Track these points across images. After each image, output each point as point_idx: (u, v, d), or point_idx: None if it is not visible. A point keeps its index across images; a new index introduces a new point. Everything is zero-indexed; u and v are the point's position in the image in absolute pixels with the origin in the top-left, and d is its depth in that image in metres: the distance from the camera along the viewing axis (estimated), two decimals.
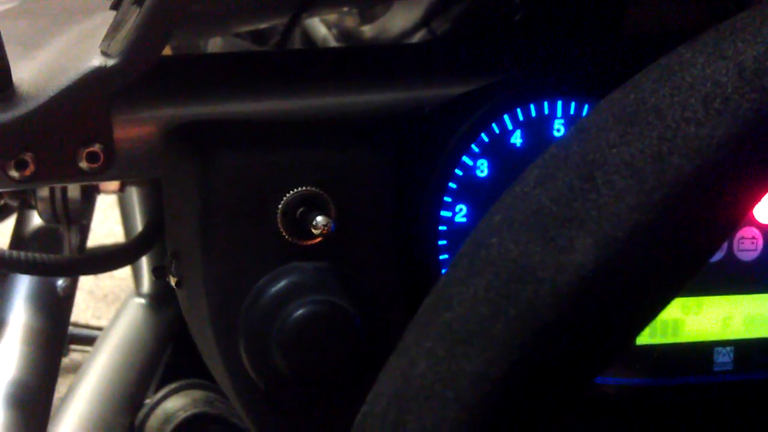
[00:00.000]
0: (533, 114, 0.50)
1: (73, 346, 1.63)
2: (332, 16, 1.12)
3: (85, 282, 2.05)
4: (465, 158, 0.49)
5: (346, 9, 1.04)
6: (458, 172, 0.49)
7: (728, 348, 0.55)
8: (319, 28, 1.13)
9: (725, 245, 0.53)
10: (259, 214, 0.47)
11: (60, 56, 0.48)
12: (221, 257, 0.47)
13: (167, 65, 0.53)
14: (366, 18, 1.03)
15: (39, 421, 0.93)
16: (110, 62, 0.44)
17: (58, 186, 0.80)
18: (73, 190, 0.81)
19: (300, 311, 0.46)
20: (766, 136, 0.30)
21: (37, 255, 0.69)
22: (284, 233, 0.47)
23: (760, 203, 0.53)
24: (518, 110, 0.50)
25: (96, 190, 0.85)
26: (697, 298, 0.54)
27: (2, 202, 0.96)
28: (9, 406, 0.90)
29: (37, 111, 0.44)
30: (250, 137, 0.48)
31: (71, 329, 1.64)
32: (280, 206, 0.47)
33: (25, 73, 0.46)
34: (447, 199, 0.50)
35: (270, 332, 0.46)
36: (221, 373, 0.49)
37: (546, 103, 0.50)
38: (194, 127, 0.50)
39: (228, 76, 0.53)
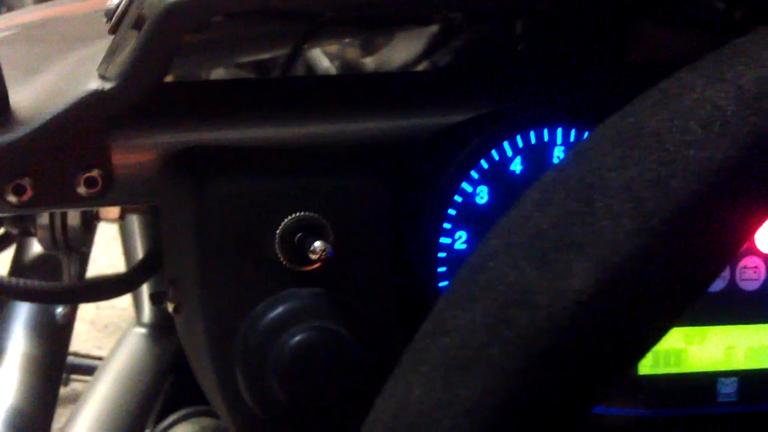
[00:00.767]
0: (533, 141, 0.50)
1: (73, 376, 1.62)
2: (334, 48, 1.12)
3: (87, 312, 2.04)
4: (464, 185, 0.49)
5: (347, 40, 1.05)
6: (457, 198, 0.49)
7: (732, 379, 0.54)
8: (322, 59, 1.14)
9: (727, 275, 0.53)
10: (256, 239, 0.47)
11: (58, 81, 0.48)
12: (218, 283, 0.47)
13: (166, 91, 0.52)
14: (368, 50, 1.04)
15: None
16: (107, 86, 0.44)
17: (57, 213, 0.80)
18: (73, 218, 0.81)
19: (296, 338, 0.45)
20: (766, 160, 0.30)
21: (35, 282, 0.68)
22: (282, 259, 0.46)
23: (762, 232, 0.53)
24: (518, 137, 0.49)
25: (96, 218, 0.85)
26: (700, 328, 0.53)
27: (2, 230, 0.96)
28: None
29: (33, 134, 0.44)
30: (247, 163, 0.48)
31: (72, 359, 1.64)
32: (277, 232, 0.46)
33: (22, 97, 0.46)
34: (446, 225, 0.49)
35: (267, 359, 0.46)
36: (218, 400, 0.49)
37: (546, 130, 0.50)
38: (191, 153, 0.49)
39: (226, 103, 0.52)
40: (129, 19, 0.44)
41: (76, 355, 1.66)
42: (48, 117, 0.44)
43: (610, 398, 0.53)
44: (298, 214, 0.46)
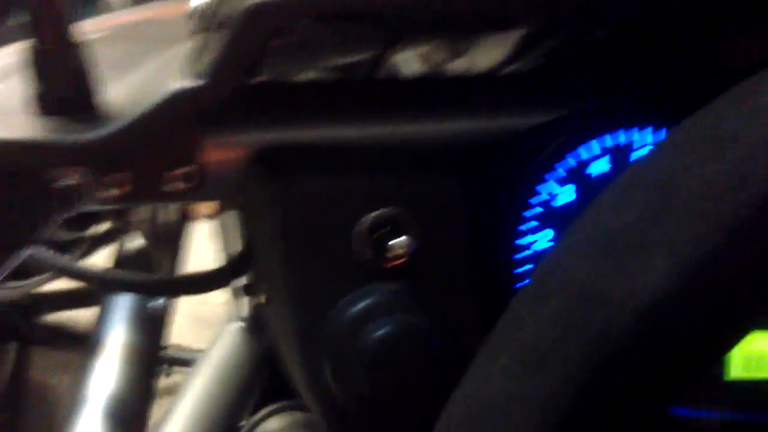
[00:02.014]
0: (622, 141, 0.49)
1: (175, 368, 1.66)
2: (421, 51, 1.12)
3: (188, 306, 2.08)
4: (551, 183, 0.49)
5: (434, 43, 1.04)
6: (544, 197, 0.49)
7: None
8: (410, 62, 1.13)
9: None
10: (339, 236, 0.47)
11: (150, 78, 0.49)
12: (302, 279, 0.47)
13: (258, 90, 0.53)
14: (455, 52, 1.03)
15: None
16: (197, 83, 0.45)
17: (160, 208, 0.82)
18: (171, 213, 0.83)
19: (381, 331, 0.46)
20: None
21: (132, 274, 0.70)
22: (364, 255, 0.47)
23: None
24: (607, 136, 0.49)
25: (192, 214, 0.87)
26: None
27: (107, 225, 0.99)
28: (106, 424, 0.92)
29: (125, 130, 0.45)
30: (329, 161, 0.48)
31: (173, 352, 1.67)
32: (359, 228, 0.47)
33: (115, 93, 0.48)
34: (533, 224, 0.49)
35: (353, 352, 0.46)
36: (307, 393, 0.50)
37: (636, 130, 0.49)
38: (275, 151, 0.50)
39: (313, 103, 0.53)
40: (217, 19, 0.45)
41: (179, 348, 1.70)
42: (138, 113, 0.45)
43: (700, 401, 0.52)
44: (379, 211, 0.47)
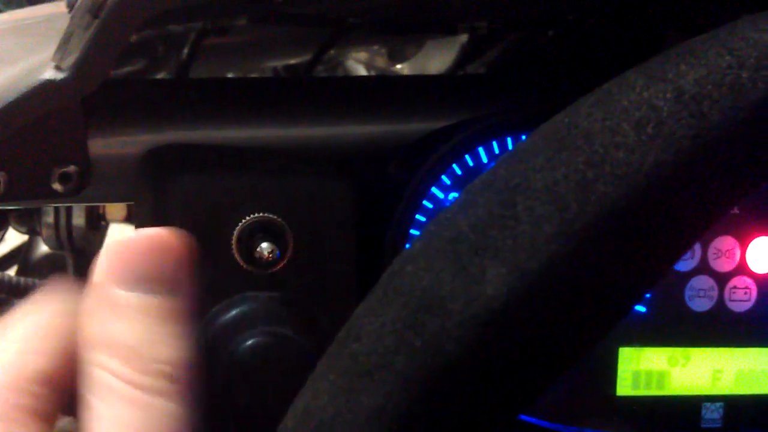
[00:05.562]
0: (509, 148, 0.48)
1: None
2: (365, 56, 1.10)
3: None
4: (435, 190, 0.47)
5: (376, 47, 1.03)
6: (428, 204, 0.47)
7: (718, 404, 0.52)
8: (357, 68, 1.12)
9: (716, 295, 0.50)
10: (215, 240, 0.45)
11: (23, 71, 0.47)
12: None
13: (147, 89, 0.51)
14: (395, 58, 1.02)
15: None
16: (60, 76, 0.43)
17: (62, 212, 0.80)
18: (78, 218, 0.80)
19: (247, 343, 0.44)
20: (701, 165, 0.28)
21: (34, 281, 0.68)
22: (240, 261, 0.45)
23: (754, 251, 0.50)
24: (494, 143, 0.47)
25: (102, 219, 0.84)
26: (684, 350, 0.51)
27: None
28: None
29: None
30: (208, 162, 0.46)
31: None
32: (235, 232, 0.45)
33: None
34: (414, 232, 0.47)
35: (217, 364, 0.44)
36: None
37: (523, 137, 0.48)
38: (157, 151, 0.48)
39: (205, 102, 0.51)
40: (85, 5, 0.43)
41: None
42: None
43: (588, 419, 0.51)
44: (256, 215, 0.45)
